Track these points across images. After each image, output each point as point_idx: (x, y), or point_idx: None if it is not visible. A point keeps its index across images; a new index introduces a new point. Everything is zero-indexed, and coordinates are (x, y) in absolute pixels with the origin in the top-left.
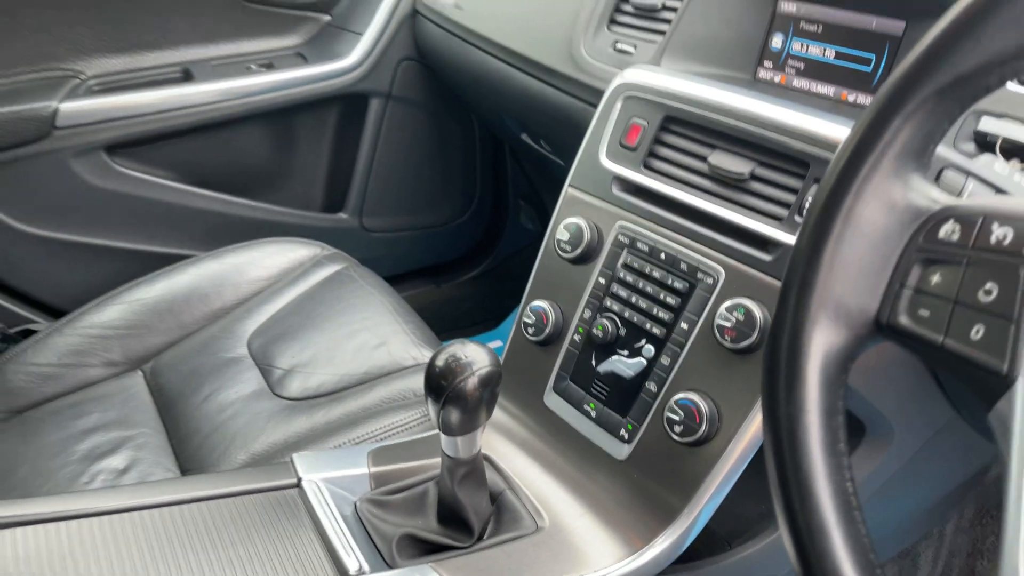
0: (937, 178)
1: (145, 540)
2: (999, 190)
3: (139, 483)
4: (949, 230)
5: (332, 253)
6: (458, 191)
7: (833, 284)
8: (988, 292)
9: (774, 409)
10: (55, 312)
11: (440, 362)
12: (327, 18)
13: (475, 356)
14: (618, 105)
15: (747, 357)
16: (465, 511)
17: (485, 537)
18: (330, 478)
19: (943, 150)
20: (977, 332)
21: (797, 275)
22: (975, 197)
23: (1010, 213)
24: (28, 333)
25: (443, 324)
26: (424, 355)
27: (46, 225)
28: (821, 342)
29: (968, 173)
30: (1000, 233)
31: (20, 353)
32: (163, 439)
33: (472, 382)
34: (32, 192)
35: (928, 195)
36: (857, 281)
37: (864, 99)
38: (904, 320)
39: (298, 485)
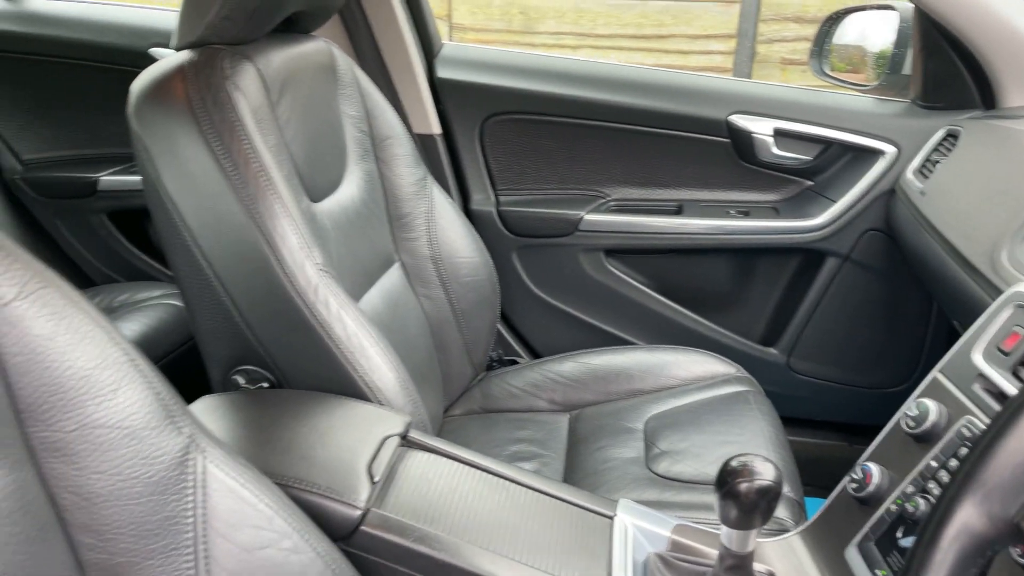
0: None
1: (504, 498)
2: None
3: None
4: None
5: (744, 377)
6: (897, 361)
7: (990, 478)
8: None
9: (909, 563)
10: (534, 353)
11: (734, 463)
12: (809, 183)
13: (762, 469)
14: (1006, 311)
15: None
16: None
17: None
18: (638, 526)
19: None
20: None
21: (967, 463)
22: None
23: None
24: (513, 362)
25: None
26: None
27: (550, 293)
28: (964, 520)
29: None
30: None
31: (503, 374)
32: (561, 465)
33: (750, 487)
34: (550, 269)
35: None
36: (1011, 482)
37: None
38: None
39: (611, 518)
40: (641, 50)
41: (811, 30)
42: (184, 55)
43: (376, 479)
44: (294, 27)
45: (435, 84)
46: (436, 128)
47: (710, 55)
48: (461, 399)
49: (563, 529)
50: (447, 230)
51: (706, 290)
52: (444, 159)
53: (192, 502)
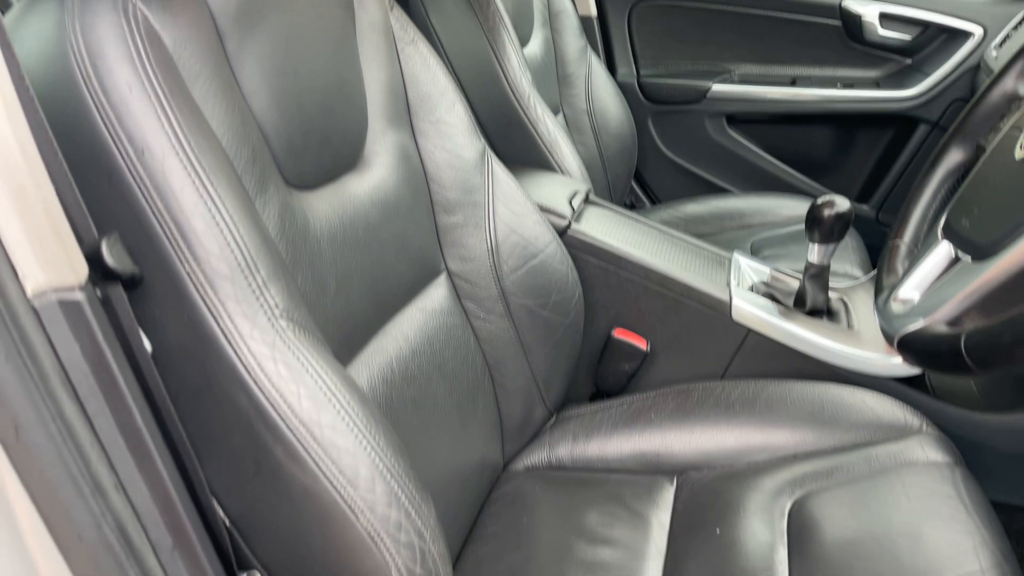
0: None
1: (657, 237)
2: None
3: None
4: None
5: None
6: None
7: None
8: None
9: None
10: (658, 200)
11: (819, 200)
12: (908, 61)
13: (840, 202)
14: None
15: None
16: (804, 292)
17: (808, 312)
18: (748, 263)
19: None
20: None
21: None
22: None
23: None
24: (642, 205)
25: None
26: None
27: (676, 152)
28: (951, 156)
29: None
30: None
31: (638, 212)
32: None
33: (831, 212)
34: (679, 131)
35: None
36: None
37: None
38: None
39: (729, 258)
40: None
41: None
42: None
43: (574, 208)
44: None
45: None
46: (593, 11)
47: None
48: None
49: (700, 261)
50: (600, 89)
51: (812, 155)
52: (598, 37)
53: (489, 181)
